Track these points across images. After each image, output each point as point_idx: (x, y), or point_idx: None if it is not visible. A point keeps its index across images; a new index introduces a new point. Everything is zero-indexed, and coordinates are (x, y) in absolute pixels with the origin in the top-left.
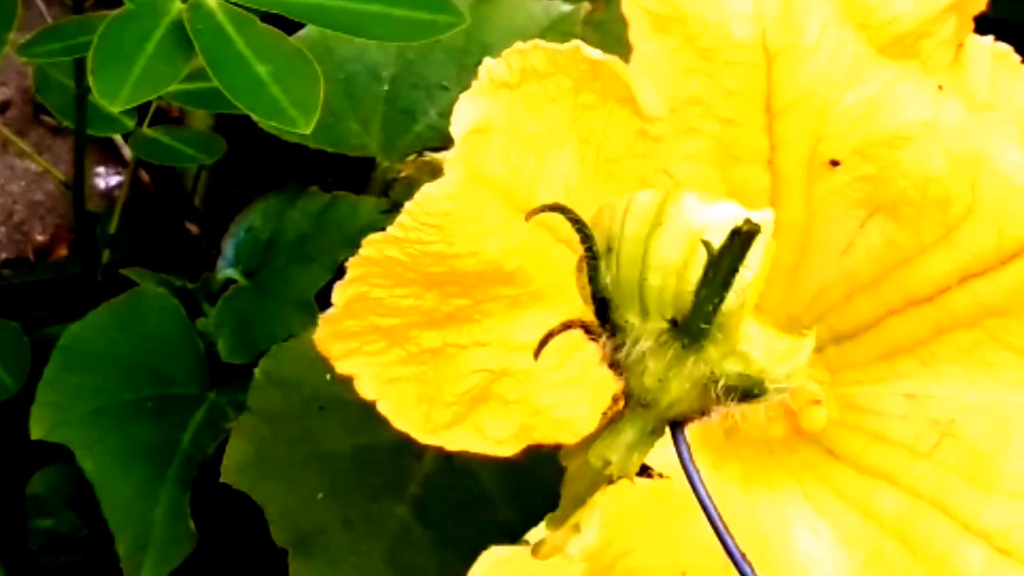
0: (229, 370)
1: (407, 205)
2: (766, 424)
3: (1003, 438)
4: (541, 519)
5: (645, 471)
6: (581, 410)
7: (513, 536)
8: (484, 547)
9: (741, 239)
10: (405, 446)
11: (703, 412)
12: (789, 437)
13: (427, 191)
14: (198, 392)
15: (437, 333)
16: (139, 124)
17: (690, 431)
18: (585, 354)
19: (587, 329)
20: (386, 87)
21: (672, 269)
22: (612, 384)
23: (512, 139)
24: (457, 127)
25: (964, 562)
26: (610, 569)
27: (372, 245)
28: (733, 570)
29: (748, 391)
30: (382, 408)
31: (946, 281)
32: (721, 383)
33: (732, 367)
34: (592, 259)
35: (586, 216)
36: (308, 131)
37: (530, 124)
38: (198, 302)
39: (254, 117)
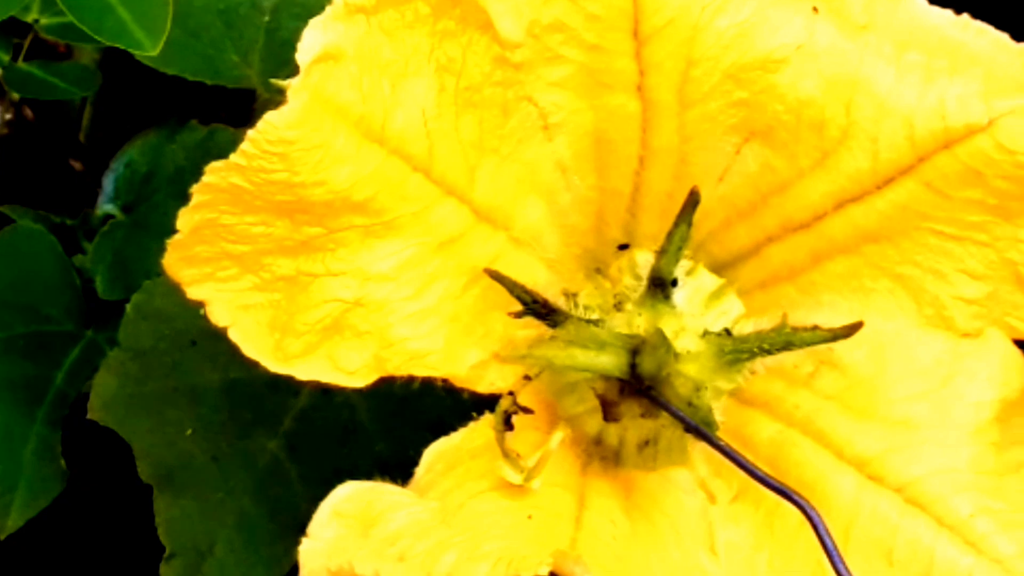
0: (108, 307)
1: (249, 133)
2: None
3: (880, 365)
4: (414, 451)
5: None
6: (435, 342)
7: (385, 468)
8: (354, 479)
9: None
10: (282, 381)
11: None
12: None
13: (268, 119)
14: (74, 330)
15: (291, 261)
16: (14, 59)
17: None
18: (442, 284)
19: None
20: (267, 18)
21: None
22: (467, 318)
23: (366, 66)
24: (303, 54)
25: (835, 489)
26: (461, 508)
27: (216, 172)
28: (571, 506)
29: None
30: (234, 335)
31: (823, 207)
32: None
33: None
34: None
35: (447, 146)
36: (154, 52)
37: (386, 51)
38: (78, 239)
39: (102, 40)
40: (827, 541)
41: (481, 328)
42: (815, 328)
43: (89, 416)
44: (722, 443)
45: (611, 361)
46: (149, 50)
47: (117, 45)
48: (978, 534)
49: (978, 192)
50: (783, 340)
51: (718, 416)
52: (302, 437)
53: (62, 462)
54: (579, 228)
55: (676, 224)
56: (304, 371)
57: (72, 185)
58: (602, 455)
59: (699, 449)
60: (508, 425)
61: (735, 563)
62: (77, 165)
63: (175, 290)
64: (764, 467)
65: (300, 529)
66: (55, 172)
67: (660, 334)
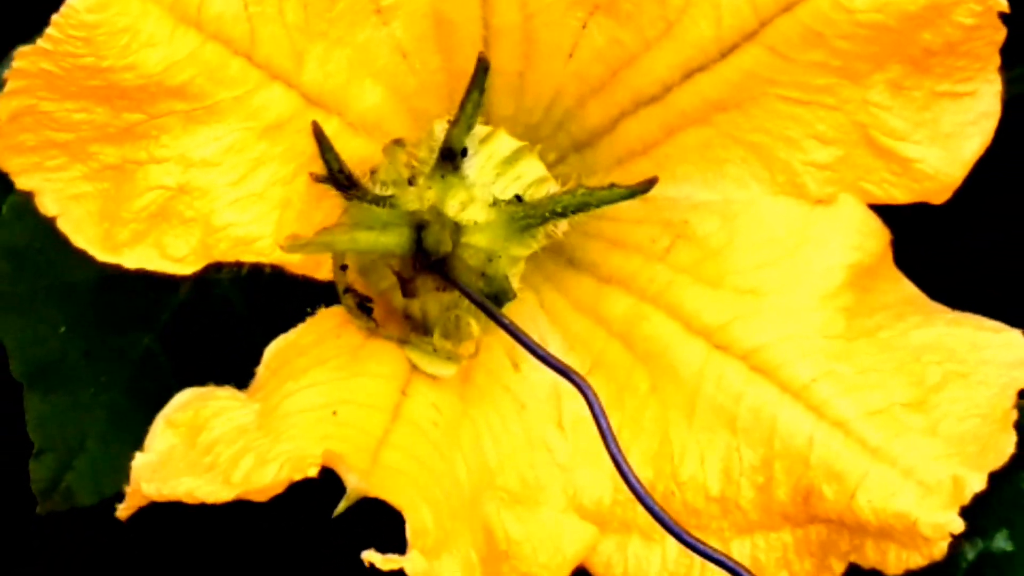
0: None
1: (53, 17)
2: None
3: (731, 235)
4: None
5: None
6: (264, 228)
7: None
8: (228, 372)
9: None
10: (159, 277)
11: None
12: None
13: (70, 3)
14: None
15: (116, 149)
16: None
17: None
18: (270, 169)
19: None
20: None
21: None
22: (300, 204)
23: None
24: None
25: (682, 359)
26: (274, 409)
27: (25, 58)
28: (390, 396)
29: None
30: (62, 225)
31: (671, 78)
32: None
33: None
34: None
35: (271, 30)
36: None
37: None
38: None
39: None
40: (601, 420)
41: (318, 214)
42: (612, 186)
43: None
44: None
45: (393, 240)
46: None
47: None
48: (820, 398)
49: (821, 54)
50: (577, 202)
51: (515, 283)
52: (179, 331)
53: None
54: (430, 112)
55: (468, 92)
56: (132, 260)
57: None
58: (414, 329)
59: (552, 324)
60: (370, 319)
61: (582, 437)
62: None
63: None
64: (616, 342)
65: None
66: None
67: (436, 210)
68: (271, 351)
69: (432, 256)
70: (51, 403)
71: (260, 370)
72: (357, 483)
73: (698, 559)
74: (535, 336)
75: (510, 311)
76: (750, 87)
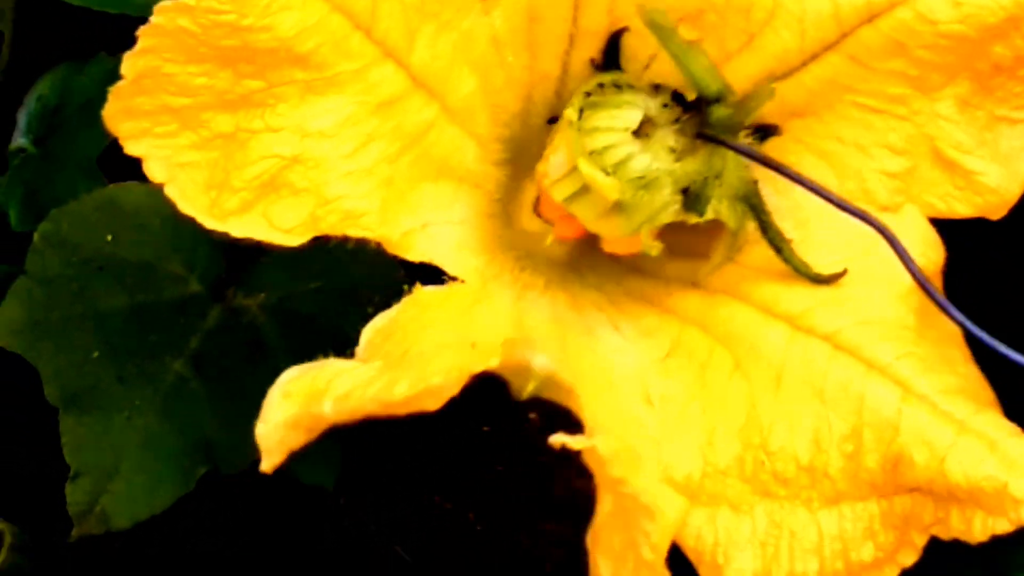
0: (24, 241)
1: None
2: (557, 243)
3: (804, 236)
4: None
5: (442, 278)
6: (371, 203)
7: None
8: (261, 397)
9: None
10: (189, 304)
11: None
12: (590, 256)
13: None
14: None
15: (230, 117)
16: None
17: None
18: (379, 146)
19: None
20: None
21: None
22: (401, 184)
23: None
24: None
25: (764, 339)
26: (405, 354)
27: (163, 13)
28: (517, 346)
29: None
30: (170, 191)
31: (752, 86)
32: None
33: None
34: None
35: (390, 7)
36: None
37: None
38: None
39: None
40: (901, 251)
41: (414, 196)
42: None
43: None
44: (790, 170)
45: None
46: None
47: None
48: (904, 374)
49: (900, 63)
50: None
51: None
52: (208, 357)
53: None
54: (509, 109)
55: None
56: (239, 228)
57: None
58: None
59: (626, 313)
60: None
61: (669, 413)
62: None
63: (83, 218)
64: (692, 328)
65: (206, 446)
66: None
67: None
68: (372, 329)
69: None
70: (86, 427)
71: (362, 348)
72: (545, 363)
73: (787, 526)
74: (608, 323)
75: (579, 311)
76: (827, 94)
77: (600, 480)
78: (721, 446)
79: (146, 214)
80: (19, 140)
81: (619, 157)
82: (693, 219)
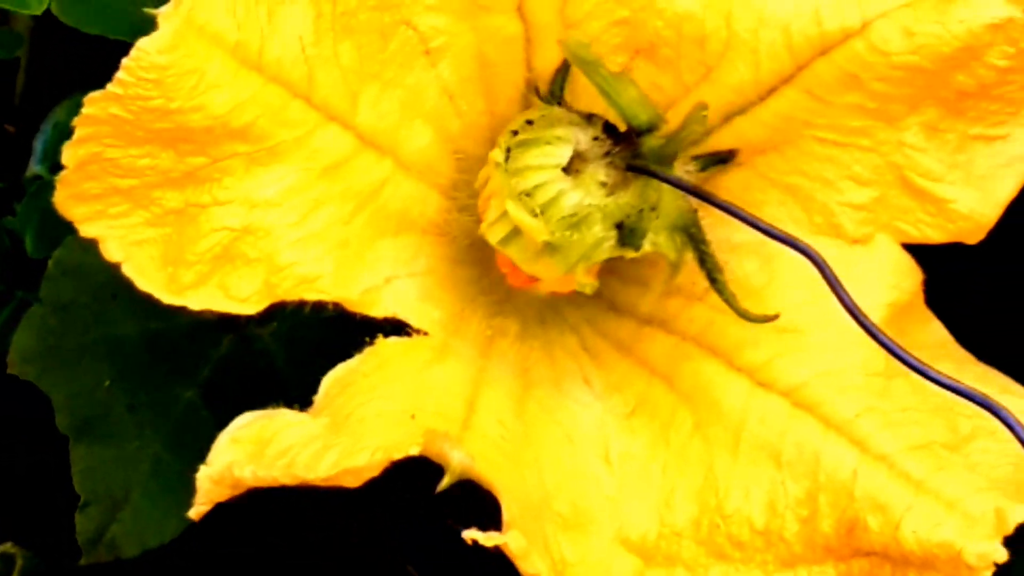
0: (39, 269)
1: (124, 61)
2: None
3: (770, 275)
4: None
5: (404, 329)
6: (324, 267)
7: None
8: None
9: None
10: (201, 332)
11: None
12: (572, 295)
13: (141, 45)
14: (4, 291)
15: (179, 193)
16: None
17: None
18: (329, 209)
19: None
20: None
21: None
22: (357, 243)
23: None
24: None
25: (725, 396)
26: (348, 417)
27: (94, 104)
28: (459, 410)
29: None
30: (127, 270)
31: (711, 122)
32: None
33: None
34: None
35: (327, 72)
36: (39, 11)
37: None
38: (9, 201)
39: None
40: (830, 277)
41: (371, 254)
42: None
43: (9, 370)
44: (710, 195)
45: None
46: (35, 9)
47: (2, 6)
48: (863, 432)
49: (857, 96)
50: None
51: None
52: (219, 386)
53: None
54: (473, 155)
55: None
56: (197, 301)
57: (6, 148)
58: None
59: (595, 366)
60: None
61: (629, 472)
62: (11, 129)
63: (96, 245)
64: (659, 382)
65: None
66: None
67: None
68: (330, 379)
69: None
70: (96, 456)
71: (319, 397)
72: (463, 459)
73: None
74: (578, 375)
75: (552, 352)
76: (787, 130)
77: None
78: (678, 507)
79: None
80: (35, 167)
81: (549, 196)
82: (631, 254)
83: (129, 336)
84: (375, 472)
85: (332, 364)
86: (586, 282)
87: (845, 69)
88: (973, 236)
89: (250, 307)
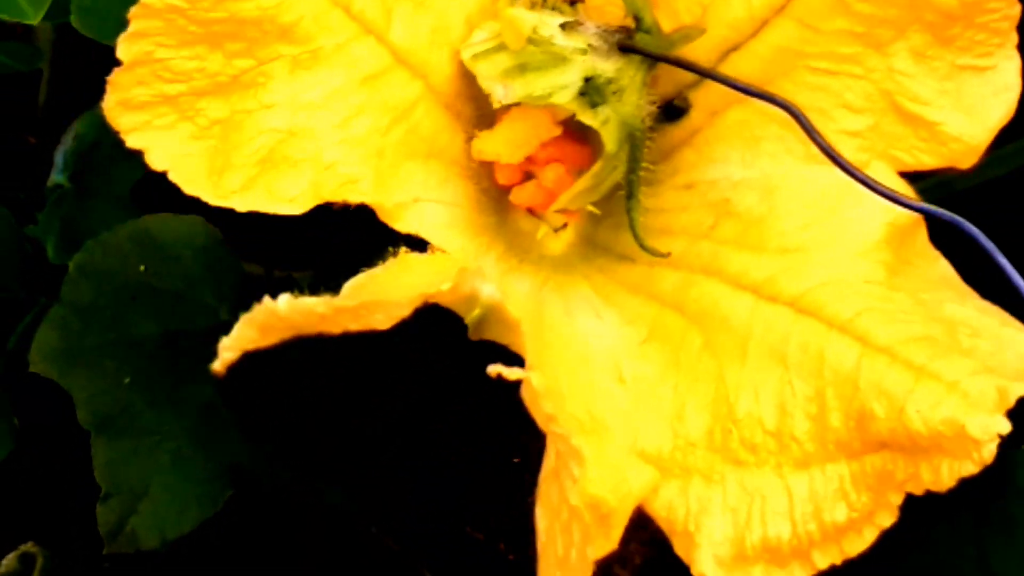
0: (60, 275)
1: None
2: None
3: (771, 205)
4: None
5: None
6: (365, 170)
7: None
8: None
9: None
10: (218, 331)
11: None
12: (585, 250)
13: None
14: (27, 297)
15: (224, 101)
16: None
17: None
18: (368, 118)
19: None
20: None
21: None
22: (391, 156)
23: None
24: None
25: (732, 311)
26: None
27: None
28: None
29: None
30: (173, 177)
31: (708, 60)
32: None
33: None
34: None
35: None
36: (35, 21)
37: None
38: (31, 210)
39: None
40: (805, 125)
41: (403, 171)
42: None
43: (31, 369)
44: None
45: None
46: (31, 19)
47: (3, 17)
48: (864, 328)
49: (845, 20)
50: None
51: None
52: (238, 383)
53: (15, 420)
54: (485, 97)
55: None
56: (244, 203)
57: (28, 159)
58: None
59: (607, 305)
60: None
61: (641, 392)
62: (32, 140)
63: (116, 248)
64: (670, 311)
65: (234, 470)
66: (11, 147)
67: None
68: (353, 283)
69: None
70: (117, 450)
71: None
72: (492, 292)
73: (758, 491)
74: (590, 311)
75: (564, 294)
76: (781, 62)
77: (537, 419)
78: (691, 419)
79: (177, 245)
80: (56, 177)
81: (542, 30)
82: (581, 114)
83: (148, 336)
84: (406, 311)
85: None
86: (554, 218)
87: None
88: (966, 159)
89: (296, 207)
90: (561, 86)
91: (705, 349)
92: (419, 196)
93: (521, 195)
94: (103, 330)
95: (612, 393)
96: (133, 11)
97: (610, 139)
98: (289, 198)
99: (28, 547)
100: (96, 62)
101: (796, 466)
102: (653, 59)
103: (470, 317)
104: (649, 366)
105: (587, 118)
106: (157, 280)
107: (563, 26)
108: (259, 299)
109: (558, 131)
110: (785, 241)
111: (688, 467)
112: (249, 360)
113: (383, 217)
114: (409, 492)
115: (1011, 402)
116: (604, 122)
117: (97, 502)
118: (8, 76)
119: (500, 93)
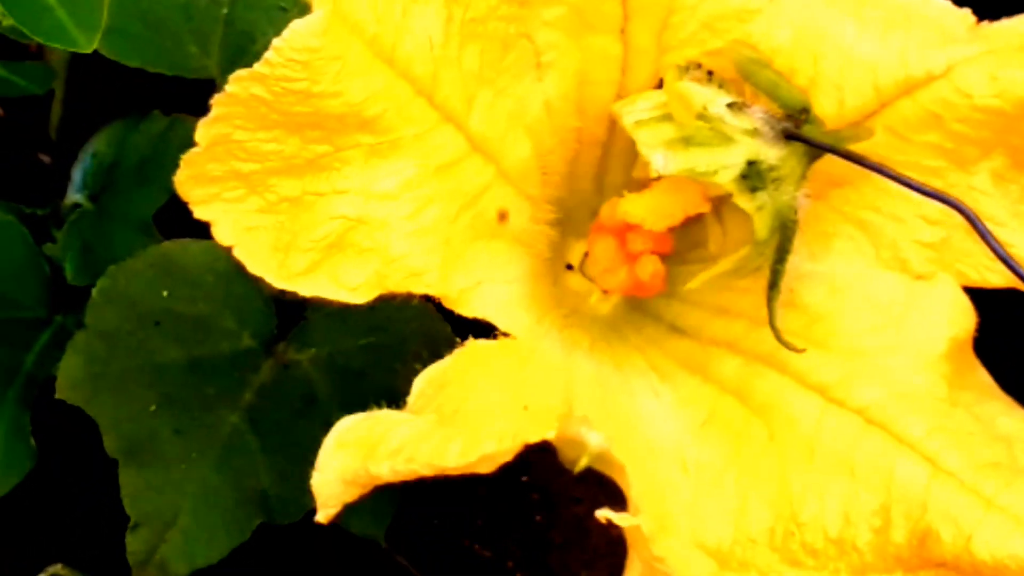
0: (76, 294)
1: (275, 42)
2: (601, 301)
3: (839, 303)
4: None
5: (492, 332)
6: (432, 261)
7: None
8: (314, 450)
9: None
10: (242, 357)
11: None
12: (633, 315)
13: (295, 27)
14: (45, 315)
15: (297, 181)
16: None
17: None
18: (439, 206)
19: None
20: (225, 10)
21: None
22: (458, 243)
23: None
24: None
25: (799, 411)
26: (455, 412)
27: (238, 82)
28: (560, 406)
29: None
30: (238, 254)
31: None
32: None
33: None
34: None
35: (450, 74)
36: (89, 50)
37: None
38: (48, 228)
39: (40, 40)
40: (980, 227)
41: (469, 255)
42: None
43: (57, 396)
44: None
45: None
46: (84, 48)
47: (54, 44)
48: (934, 449)
49: (937, 136)
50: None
51: None
52: (262, 410)
53: (32, 441)
54: (559, 171)
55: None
56: (307, 287)
57: (43, 178)
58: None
59: (666, 379)
60: None
61: (704, 480)
62: (46, 158)
63: (139, 274)
64: (729, 397)
65: (261, 497)
66: (26, 165)
67: None
68: (424, 379)
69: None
70: (145, 478)
71: (413, 398)
72: (600, 441)
73: None
74: (648, 390)
75: (621, 368)
76: None
77: (637, 552)
78: (753, 515)
79: (200, 271)
80: (74, 196)
81: (712, 107)
82: (739, 198)
83: (173, 362)
84: (508, 457)
85: (372, 390)
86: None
87: (928, 109)
88: None
89: (359, 295)
90: (724, 165)
91: (770, 444)
92: (483, 279)
93: (611, 281)
94: (128, 356)
95: (676, 483)
96: (216, 98)
97: (763, 226)
98: (352, 287)
99: (57, 569)
100: (110, 81)
101: (853, 573)
102: (821, 150)
103: (578, 465)
104: (712, 452)
105: (744, 201)
106: (180, 306)
107: (730, 106)
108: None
109: (706, 208)
110: (852, 343)
111: (747, 563)
112: None
113: (449, 305)
114: (418, 510)
115: None
116: (759, 208)
117: (126, 530)
118: (22, 96)
119: (660, 163)
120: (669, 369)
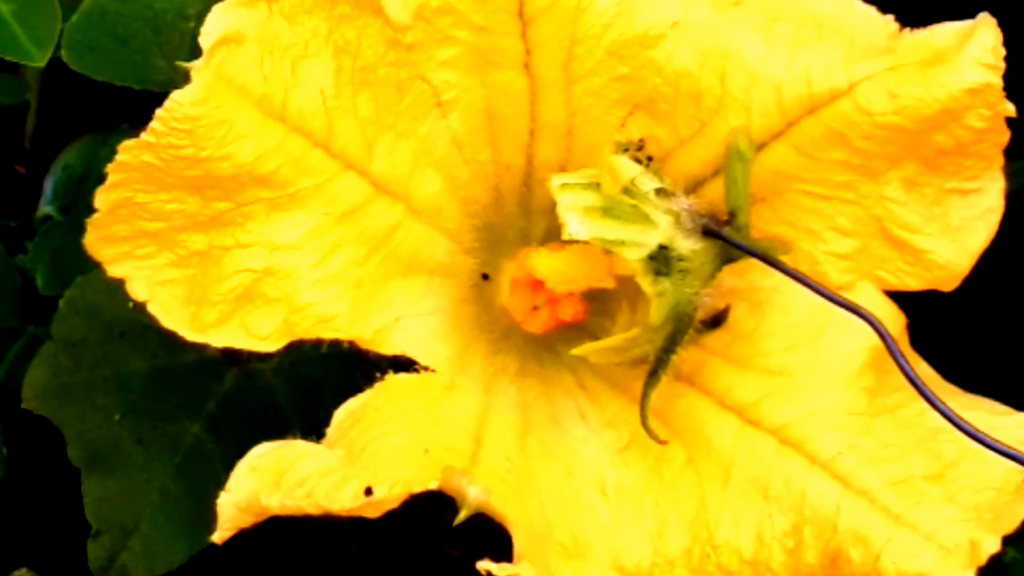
0: (49, 304)
1: (157, 112)
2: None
3: (759, 320)
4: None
5: (411, 366)
6: (341, 306)
7: None
8: None
9: None
10: (206, 367)
11: None
12: (567, 332)
13: (175, 97)
14: (16, 326)
15: (203, 236)
16: None
17: (469, 327)
18: (346, 252)
19: None
20: (192, 24)
21: None
22: (370, 284)
23: (267, 48)
24: (205, 37)
25: (716, 433)
26: (363, 450)
27: (128, 151)
28: (468, 445)
29: None
30: (153, 308)
31: (703, 173)
32: None
33: None
34: None
35: (346, 123)
36: (42, 64)
37: (286, 34)
38: (21, 240)
39: None
40: (889, 342)
41: (383, 295)
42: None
43: (23, 406)
44: (783, 264)
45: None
46: (38, 61)
47: (8, 57)
48: (846, 469)
49: (843, 153)
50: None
51: None
52: (224, 420)
53: (4, 450)
54: (479, 201)
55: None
56: (219, 339)
57: (17, 189)
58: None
59: (591, 403)
60: None
61: (624, 504)
62: (21, 169)
63: (106, 285)
64: (654, 418)
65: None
66: (1, 176)
67: None
68: (343, 412)
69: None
70: (107, 487)
71: (331, 430)
72: (479, 495)
73: None
74: (575, 412)
75: (550, 389)
76: (776, 183)
77: None
78: (671, 537)
79: None
80: (46, 208)
81: (640, 185)
82: (641, 278)
83: (137, 372)
84: (395, 504)
85: (332, 397)
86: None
87: (832, 127)
88: (948, 284)
89: (270, 344)
90: (636, 243)
91: (688, 466)
92: (401, 314)
93: (534, 324)
94: (93, 366)
95: (595, 507)
96: (110, 167)
97: (659, 312)
98: (262, 336)
99: (22, 573)
100: (83, 94)
101: None
102: (737, 249)
103: (460, 515)
104: (631, 475)
105: (646, 283)
106: (145, 316)
107: (659, 191)
108: None
109: (611, 284)
110: (771, 362)
111: None
112: None
113: (364, 346)
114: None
115: (983, 559)
116: (660, 293)
117: (88, 538)
118: None
119: (574, 227)
120: (597, 388)
